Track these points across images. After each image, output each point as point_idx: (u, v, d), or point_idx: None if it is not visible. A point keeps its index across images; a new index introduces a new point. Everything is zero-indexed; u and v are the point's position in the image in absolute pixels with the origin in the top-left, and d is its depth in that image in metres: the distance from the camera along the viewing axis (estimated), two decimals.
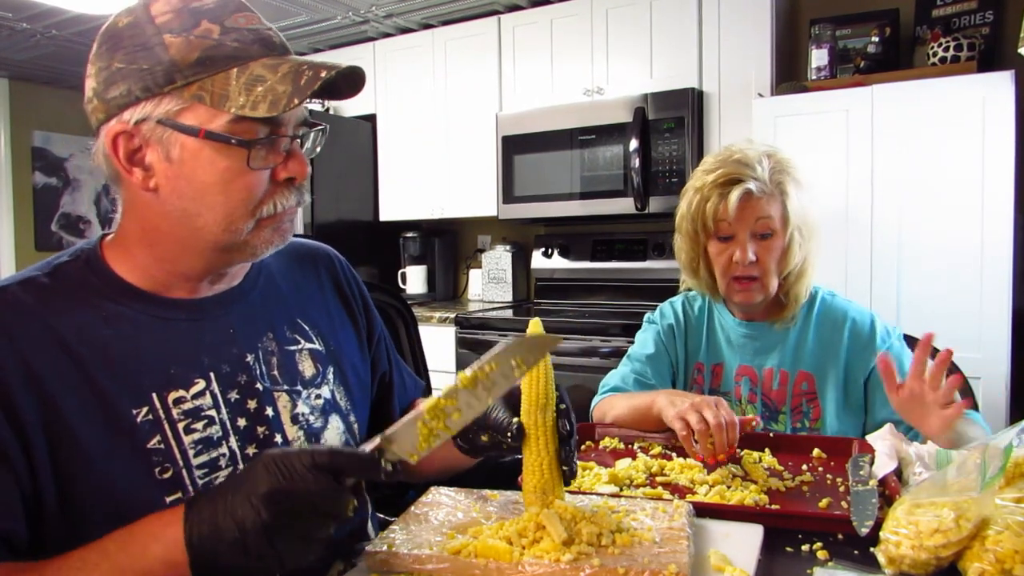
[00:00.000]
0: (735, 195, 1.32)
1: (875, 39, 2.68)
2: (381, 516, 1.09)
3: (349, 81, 0.82)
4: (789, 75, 2.91)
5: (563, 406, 0.85)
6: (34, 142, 4.63)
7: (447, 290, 4.00)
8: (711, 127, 2.92)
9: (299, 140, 0.83)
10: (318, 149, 0.89)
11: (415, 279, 3.85)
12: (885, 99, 2.37)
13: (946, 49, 2.45)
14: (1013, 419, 2.23)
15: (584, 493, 0.96)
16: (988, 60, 2.53)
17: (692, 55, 2.94)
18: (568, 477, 0.85)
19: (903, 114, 2.34)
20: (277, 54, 0.79)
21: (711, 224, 1.37)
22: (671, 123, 2.91)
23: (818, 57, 2.66)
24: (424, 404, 0.72)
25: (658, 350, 1.52)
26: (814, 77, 2.66)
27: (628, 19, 3.08)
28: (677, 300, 1.57)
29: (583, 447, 1.27)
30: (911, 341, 1.50)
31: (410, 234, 3.88)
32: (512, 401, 0.87)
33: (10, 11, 3.25)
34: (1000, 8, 2.60)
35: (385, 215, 3.86)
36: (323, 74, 0.75)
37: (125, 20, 0.77)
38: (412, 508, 0.89)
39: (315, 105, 3.76)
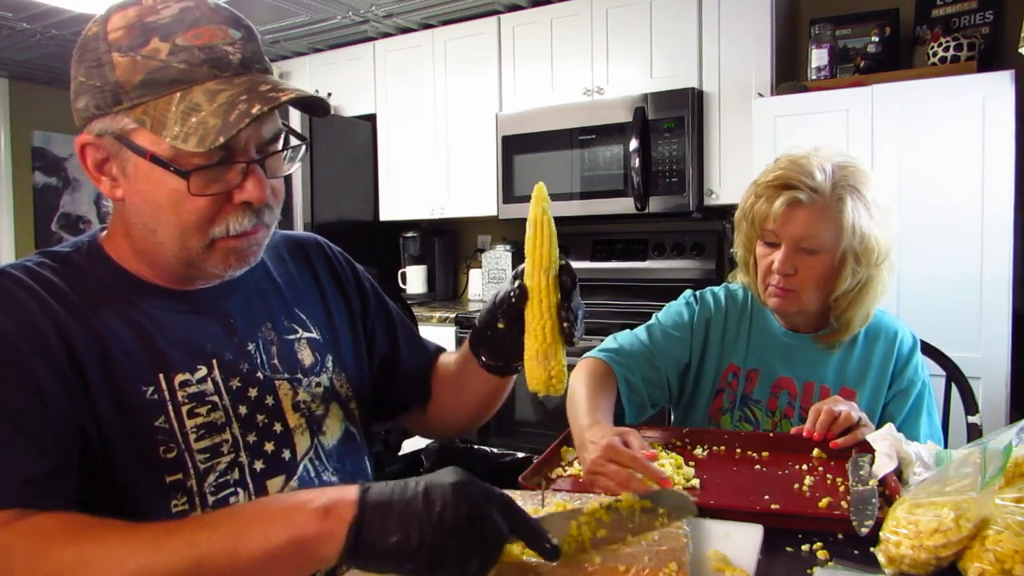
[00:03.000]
0: (780, 202, 1.25)
1: (875, 39, 2.68)
2: None
3: (308, 104, 0.82)
4: (789, 75, 2.91)
5: (563, 262, 0.86)
6: (34, 142, 4.63)
7: (447, 290, 4.01)
8: (711, 127, 2.92)
9: (261, 162, 0.81)
10: (296, 163, 0.88)
11: (415, 279, 3.85)
12: (885, 99, 2.37)
13: (946, 49, 2.45)
14: (1013, 419, 2.23)
15: (585, 493, 0.96)
16: (988, 60, 2.53)
17: (692, 55, 2.94)
18: (569, 336, 0.84)
19: (903, 114, 2.34)
20: (229, 75, 0.77)
21: (757, 226, 1.32)
22: (671, 123, 2.91)
23: (818, 57, 2.66)
24: (587, 506, 0.74)
25: (685, 336, 1.43)
26: (814, 77, 2.66)
27: (628, 19, 3.08)
28: (720, 292, 1.48)
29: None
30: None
31: (410, 234, 3.88)
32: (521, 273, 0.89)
33: (10, 11, 3.25)
34: (1000, 8, 2.60)
35: (385, 215, 3.86)
36: (255, 109, 0.74)
37: (93, 30, 0.77)
38: None
39: None
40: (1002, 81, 2.20)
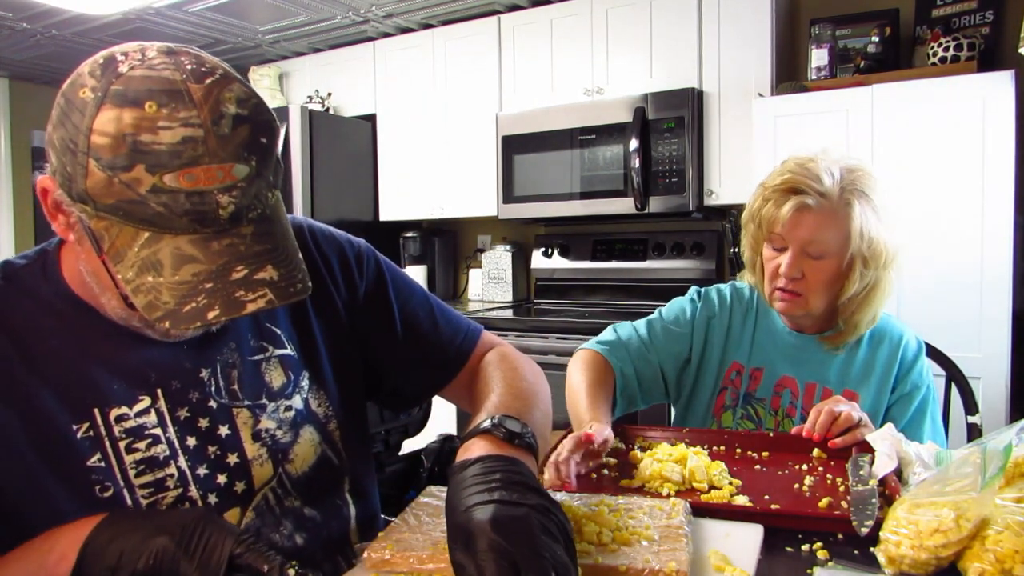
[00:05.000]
0: (788, 206, 1.26)
1: (875, 39, 2.68)
2: (382, 516, 1.09)
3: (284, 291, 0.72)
4: (789, 75, 2.91)
5: None
6: (34, 142, 4.63)
7: (447, 290, 4.01)
8: (711, 127, 2.92)
9: None
10: None
11: (415, 279, 3.84)
12: (885, 99, 2.37)
13: (946, 49, 2.45)
14: (1013, 419, 2.23)
15: (582, 492, 0.96)
16: (988, 60, 2.53)
17: (692, 55, 2.94)
18: None
19: (903, 114, 2.34)
20: (210, 232, 0.67)
21: (765, 229, 1.32)
22: (671, 123, 2.91)
23: (818, 57, 2.66)
24: None
25: (685, 332, 1.44)
26: (814, 77, 2.66)
27: (628, 19, 3.08)
28: (726, 290, 1.49)
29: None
30: None
31: (410, 234, 3.88)
32: None
33: (10, 11, 3.25)
34: (1000, 8, 2.60)
35: (385, 215, 3.86)
36: (211, 315, 0.65)
37: (84, 93, 0.65)
38: (412, 507, 0.89)
39: (315, 105, 3.76)
40: (1002, 81, 2.20)
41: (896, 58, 2.70)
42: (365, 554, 0.78)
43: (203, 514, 0.70)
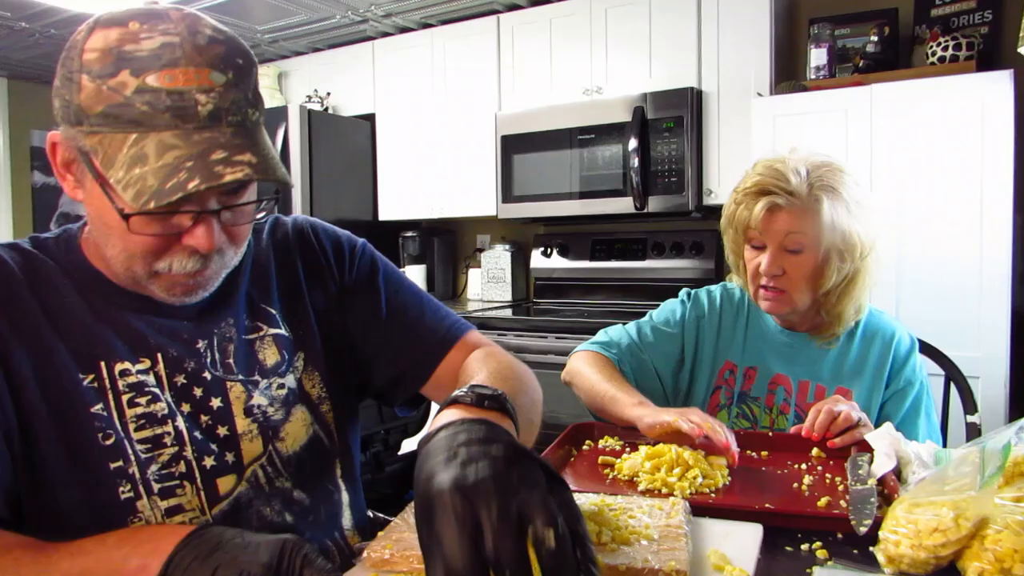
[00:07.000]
0: (759, 207, 1.29)
1: (874, 38, 2.68)
2: (382, 516, 1.09)
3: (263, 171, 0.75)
4: (788, 74, 2.91)
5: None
6: (32, 141, 4.62)
7: (446, 290, 4.01)
8: (710, 126, 2.92)
9: (218, 212, 0.78)
10: (261, 215, 0.85)
11: (414, 279, 3.85)
12: (884, 98, 2.37)
13: (945, 48, 2.45)
14: (1012, 418, 2.23)
15: (581, 492, 0.96)
16: (987, 59, 2.53)
17: (691, 54, 2.94)
18: None
19: (902, 113, 2.34)
20: (191, 127, 0.72)
21: (741, 231, 1.35)
22: (670, 122, 2.91)
23: (817, 56, 2.66)
24: None
25: (675, 332, 1.46)
26: (813, 76, 2.66)
27: (627, 18, 3.08)
28: (716, 291, 1.51)
29: (583, 447, 1.26)
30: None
31: (409, 233, 3.88)
32: None
33: (9, 11, 3.25)
34: (999, 7, 2.60)
35: (384, 215, 3.86)
36: (191, 184, 0.70)
37: (77, 37, 0.75)
38: (412, 507, 0.89)
39: (314, 104, 3.76)
40: (1001, 81, 2.20)
41: (895, 58, 2.71)
42: (365, 554, 0.78)
43: (299, 545, 0.63)
